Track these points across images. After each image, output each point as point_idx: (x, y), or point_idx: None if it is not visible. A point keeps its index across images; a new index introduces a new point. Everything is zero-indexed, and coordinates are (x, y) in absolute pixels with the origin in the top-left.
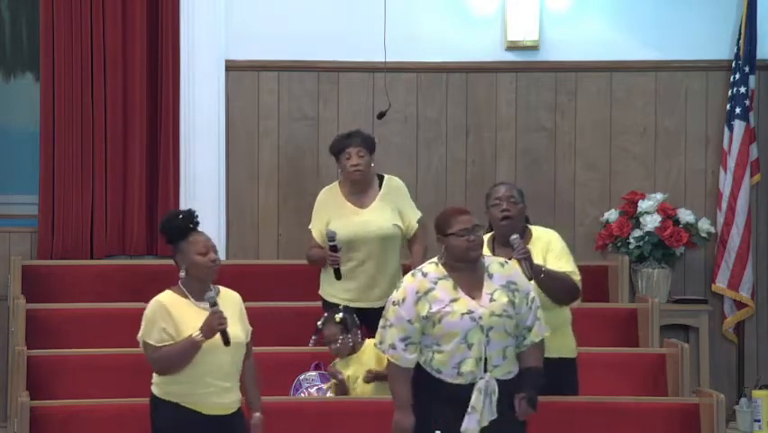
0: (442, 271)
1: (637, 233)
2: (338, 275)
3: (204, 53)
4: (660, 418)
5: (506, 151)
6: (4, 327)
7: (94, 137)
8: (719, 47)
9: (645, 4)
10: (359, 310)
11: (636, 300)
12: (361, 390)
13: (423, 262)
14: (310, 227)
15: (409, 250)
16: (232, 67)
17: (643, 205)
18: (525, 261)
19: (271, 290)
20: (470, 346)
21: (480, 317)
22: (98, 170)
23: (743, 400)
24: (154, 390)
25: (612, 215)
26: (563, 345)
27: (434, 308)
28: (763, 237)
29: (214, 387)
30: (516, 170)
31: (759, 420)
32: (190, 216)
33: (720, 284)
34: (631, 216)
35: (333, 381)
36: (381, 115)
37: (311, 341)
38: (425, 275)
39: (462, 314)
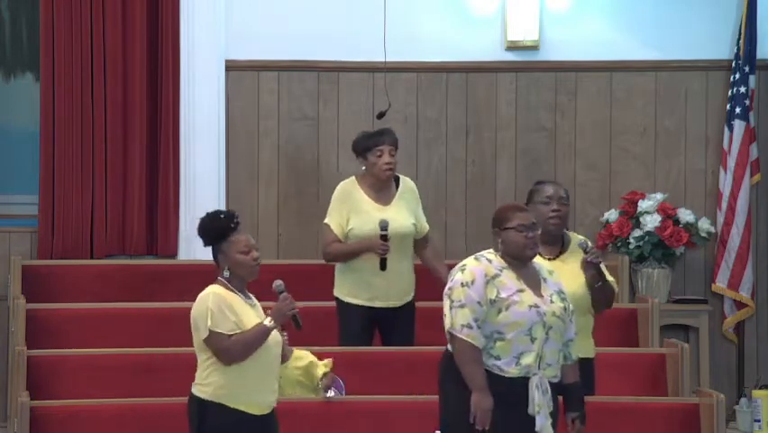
0: (502, 261)
1: (637, 233)
2: (384, 266)
3: (204, 53)
4: (660, 418)
5: (506, 151)
6: (4, 327)
7: (94, 137)
8: (719, 47)
9: (645, 4)
10: (377, 309)
11: (636, 300)
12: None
13: (438, 262)
14: (326, 222)
15: (419, 252)
16: (232, 67)
17: (643, 205)
18: (597, 265)
19: (271, 291)
20: (533, 340)
21: (545, 314)
22: (98, 170)
23: (743, 400)
24: (202, 393)
25: (612, 215)
26: (586, 347)
27: (504, 294)
28: (763, 237)
29: (261, 388)
30: (516, 170)
31: (759, 420)
32: (231, 217)
33: (720, 284)
34: (631, 216)
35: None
36: (381, 115)
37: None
38: (489, 261)
39: (530, 306)
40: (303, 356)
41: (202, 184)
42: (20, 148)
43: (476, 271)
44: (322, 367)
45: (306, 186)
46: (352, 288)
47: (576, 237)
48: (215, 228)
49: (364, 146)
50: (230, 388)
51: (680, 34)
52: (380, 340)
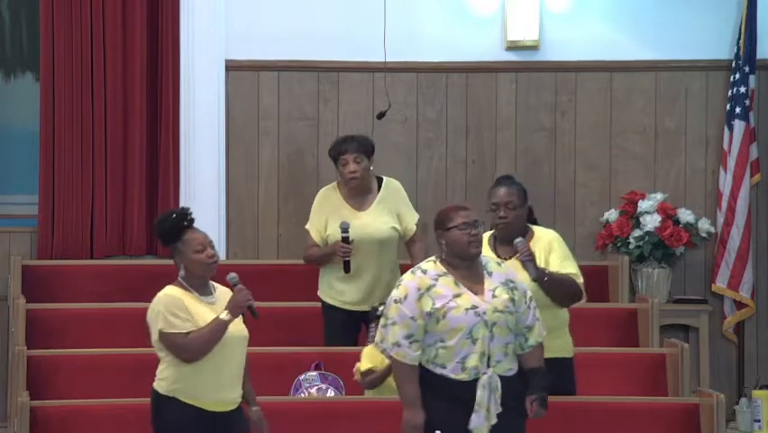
0: (441, 268)
1: (637, 233)
2: (347, 268)
3: (204, 53)
4: (660, 418)
5: (506, 151)
6: (4, 327)
7: (94, 137)
8: (719, 47)
9: (645, 4)
10: (359, 313)
11: (636, 300)
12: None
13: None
14: (307, 227)
15: (408, 251)
16: (232, 67)
17: (643, 205)
18: (529, 263)
19: (271, 290)
20: (474, 341)
21: (485, 313)
22: (98, 170)
23: (743, 400)
24: (158, 387)
25: (612, 215)
26: (561, 346)
27: (438, 304)
28: (763, 237)
29: (218, 384)
30: (516, 170)
31: (759, 420)
32: (183, 215)
33: (720, 284)
34: (631, 216)
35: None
36: (381, 115)
37: (369, 337)
38: (424, 272)
39: (467, 309)
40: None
41: (202, 184)
42: (20, 148)
43: (409, 286)
44: None
45: (306, 186)
46: (330, 290)
47: (544, 234)
48: (168, 228)
49: (332, 155)
50: (184, 383)
51: (680, 34)
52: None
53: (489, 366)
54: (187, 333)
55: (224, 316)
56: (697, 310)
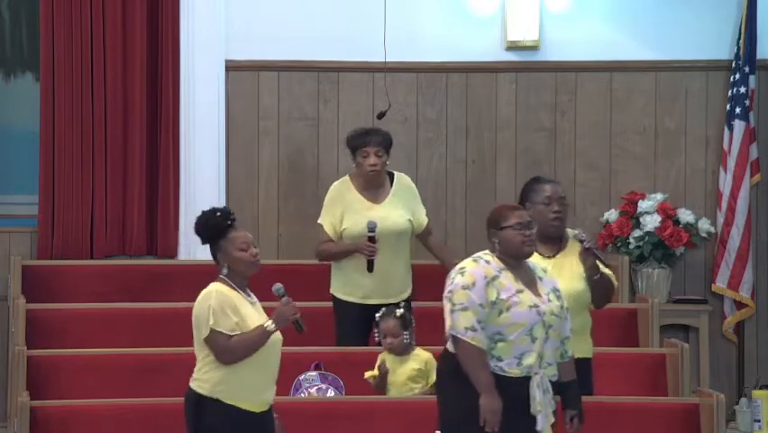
0: (499, 262)
1: (637, 233)
2: (371, 267)
3: (204, 53)
4: (660, 418)
5: (506, 151)
6: (4, 327)
7: (94, 137)
8: (719, 47)
9: (645, 4)
10: (373, 307)
11: (636, 300)
12: (397, 391)
13: (446, 250)
14: (320, 222)
15: (425, 244)
16: (232, 67)
17: (643, 205)
18: (597, 251)
19: (271, 291)
20: (533, 340)
21: (545, 313)
22: (98, 170)
23: (743, 400)
24: (200, 388)
25: (612, 215)
26: (586, 348)
27: (504, 296)
28: (763, 237)
29: (260, 385)
30: (516, 170)
31: (759, 420)
32: (227, 213)
33: (720, 284)
34: (631, 216)
35: (374, 373)
36: (381, 115)
37: (375, 336)
38: (488, 262)
39: (530, 306)
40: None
41: (202, 184)
42: (20, 148)
43: (476, 274)
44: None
45: (306, 186)
46: (345, 286)
47: (571, 232)
48: (212, 226)
49: (355, 145)
50: (228, 384)
51: (680, 34)
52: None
53: (540, 367)
54: (232, 335)
55: (270, 325)
56: (697, 310)
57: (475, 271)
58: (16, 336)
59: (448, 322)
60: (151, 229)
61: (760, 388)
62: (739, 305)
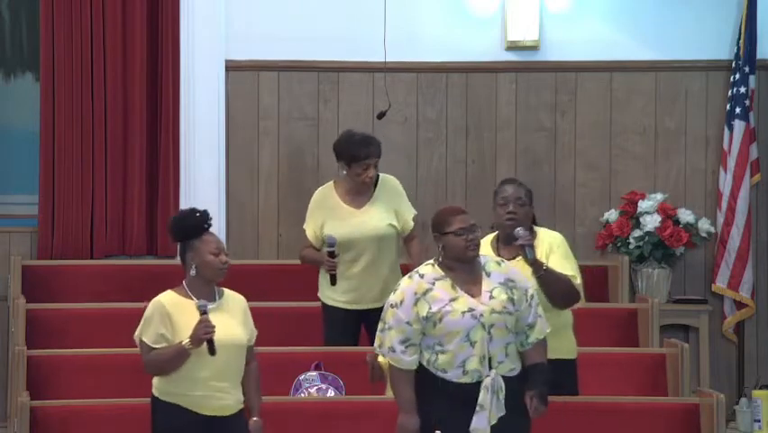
0: (438, 271)
1: (637, 233)
2: (333, 281)
3: (204, 53)
4: (660, 418)
5: (506, 151)
6: (4, 327)
7: (94, 137)
8: (719, 47)
9: (645, 4)
10: (357, 312)
11: (636, 300)
12: None
13: (423, 259)
14: (304, 227)
15: (406, 248)
16: (232, 67)
17: (643, 205)
18: (527, 247)
19: (271, 290)
20: (472, 344)
21: (482, 315)
22: (98, 170)
23: (743, 400)
24: (154, 390)
25: (612, 215)
26: (563, 347)
27: (435, 308)
28: (763, 237)
29: (212, 389)
30: (516, 170)
31: (759, 420)
32: (206, 216)
33: (720, 284)
34: (631, 216)
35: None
36: (381, 115)
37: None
38: (421, 276)
39: (463, 312)
40: None
41: (202, 184)
42: (20, 148)
43: (406, 291)
44: None
45: (306, 186)
46: (330, 290)
47: (546, 235)
48: (190, 225)
49: (351, 155)
50: (176, 387)
51: (680, 34)
52: (368, 339)
53: (491, 368)
54: (153, 348)
55: (186, 344)
56: (697, 310)
57: (406, 288)
58: (16, 336)
59: (376, 341)
60: (151, 229)
61: (760, 388)
62: (739, 305)
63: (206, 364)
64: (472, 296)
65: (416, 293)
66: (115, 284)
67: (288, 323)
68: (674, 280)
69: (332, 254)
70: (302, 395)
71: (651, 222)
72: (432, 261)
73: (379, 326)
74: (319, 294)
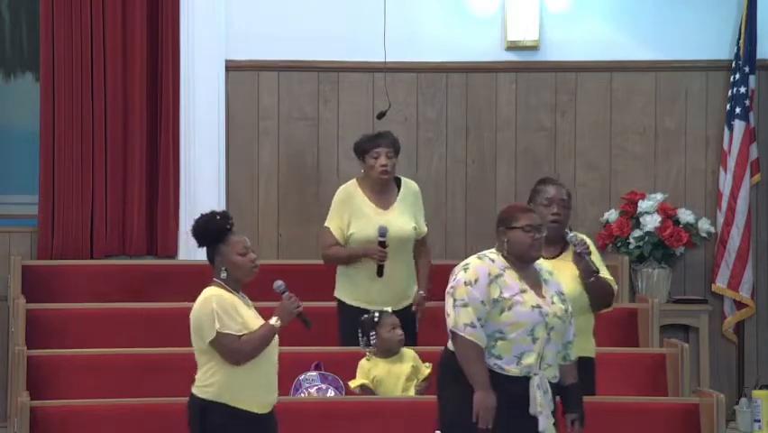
0: (505, 261)
1: (637, 233)
2: (381, 272)
3: (204, 53)
4: (660, 418)
5: (506, 151)
6: (4, 327)
7: (94, 137)
8: (719, 47)
9: (645, 4)
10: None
11: (636, 300)
12: (397, 391)
13: (428, 270)
14: (327, 225)
15: (414, 252)
16: (232, 67)
17: (643, 205)
18: (586, 256)
19: (271, 290)
20: (534, 340)
21: (547, 315)
22: (98, 170)
23: (743, 400)
24: (204, 393)
25: (612, 215)
26: (587, 347)
27: (506, 294)
28: (763, 237)
29: (270, 384)
30: (516, 170)
31: (759, 420)
32: (227, 218)
33: (720, 284)
34: (631, 216)
35: (361, 383)
36: (381, 115)
37: (362, 342)
38: (492, 260)
39: (533, 306)
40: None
41: (202, 184)
42: (20, 148)
43: (479, 270)
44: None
45: (306, 186)
46: (350, 290)
47: (577, 236)
48: (212, 230)
49: (362, 148)
50: (233, 387)
51: (680, 34)
52: None
53: (540, 368)
54: (240, 335)
55: (275, 322)
56: (697, 310)
57: (479, 267)
58: (16, 336)
59: (449, 318)
60: (151, 229)
61: (760, 388)
62: (739, 305)
63: (258, 362)
64: (537, 295)
65: (489, 274)
66: (115, 284)
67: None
68: (674, 281)
69: (383, 244)
70: (302, 395)
71: (651, 222)
72: (494, 250)
73: (449, 303)
74: (336, 293)
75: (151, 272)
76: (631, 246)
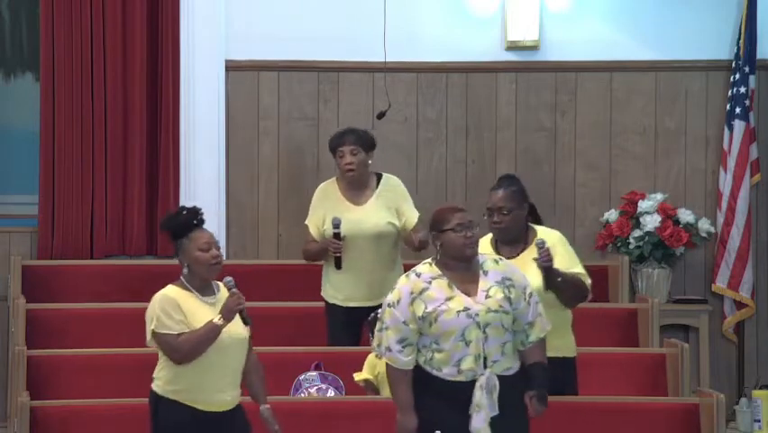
0: (435, 270)
1: (637, 233)
2: (338, 264)
3: (204, 53)
4: (660, 418)
5: (506, 151)
6: (4, 327)
7: (94, 137)
8: (719, 47)
9: (645, 4)
10: (357, 310)
11: (636, 300)
12: None
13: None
14: (306, 222)
15: (408, 239)
16: (232, 67)
17: (643, 205)
18: (547, 268)
19: (271, 290)
20: (467, 344)
21: (477, 314)
22: (98, 170)
23: (743, 400)
24: (156, 388)
25: (612, 215)
26: (563, 345)
27: (430, 308)
28: (763, 237)
29: (220, 383)
30: (516, 170)
31: (759, 420)
32: (194, 213)
33: (720, 284)
34: (631, 216)
35: (365, 377)
36: (381, 115)
37: (371, 337)
38: (418, 275)
39: (458, 311)
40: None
41: (202, 184)
42: (20, 148)
43: (402, 290)
44: None
45: (305, 186)
46: (330, 287)
47: (546, 233)
48: (176, 224)
49: (331, 147)
50: (180, 384)
51: (680, 34)
52: (369, 338)
53: (485, 367)
54: (179, 334)
55: (218, 320)
56: (697, 310)
57: (403, 287)
58: (16, 336)
59: (375, 341)
60: (151, 229)
61: (760, 388)
62: (739, 305)
63: (211, 360)
64: (468, 295)
65: (412, 292)
66: (115, 284)
67: (288, 323)
68: (674, 281)
69: (337, 236)
70: (302, 395)
71: (651, 222)
72: (429, 260)
73: (377, 325)
74: (322, 292)
75: (151, 272)
76: (631, 246)
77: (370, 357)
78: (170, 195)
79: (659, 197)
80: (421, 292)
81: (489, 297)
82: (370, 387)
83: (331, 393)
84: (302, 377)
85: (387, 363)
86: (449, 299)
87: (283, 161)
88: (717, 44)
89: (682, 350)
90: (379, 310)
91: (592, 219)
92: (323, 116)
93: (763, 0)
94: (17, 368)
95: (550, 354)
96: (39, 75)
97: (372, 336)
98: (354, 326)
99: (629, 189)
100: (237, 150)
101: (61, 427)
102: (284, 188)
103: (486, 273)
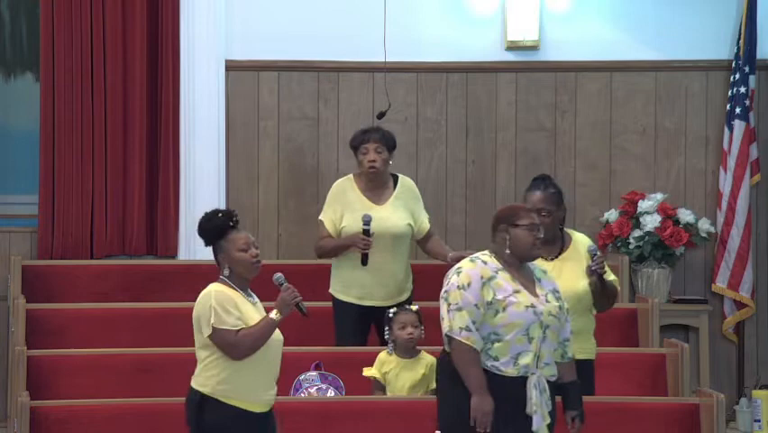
0: (497, 262)
1: (637, 233)
2: (365, 261)
3: (204, 53)
4: (660, 418)
5: (506, 151)
6: (4, 327)
7: (94, 137)
8: (719, 47)
9: (645, 4)
10: (370, 309)
11: (636, 300)
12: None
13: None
14: (321, 218)
15: (423, 247)
16: (232, 67)
17: (643, 205)
18: (598, 275)
19: (271, 290)
20: (530, 340)
21: (542, 313)
22: (98, 170)
23: (743, 400)
24: (202, 387)
25: (612, 215)
26: (587, 348)
27: (500, 296)
28: (763, 237)
29: (268, 382)
30: (516, 170)
31: (759, 420)
32: (229, 215)
33: (720, 284)
34: (631, 216)
35: (373, 374)
36: (381, 115)
37: (386, 333)
38: (485, 263)
39: (526, 306)
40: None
41: (202, 184)
42: (20, 148)
43: (472, 274)
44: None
45: (305, 186)
46: (343, 285)
47: (581, 238)
48: (213, 227)
49: (353, 144)
50: (230, 384)
51: (680, 34)
52: (377, 338)
53: (537, 367)
54: (238, 330)
55: (274, 315)
56: (697, 310)
57: (471, 271)
58: (16, 336)
59: (444, 322)
60: (151, 229)
61: (760, 388)
62: (739, 305)
63: (264, 358)
64: (531, 294)
65: (482, 277)
66: (115, 284)
67: (288, 323)
68: (674, 281)
69: (366, 233)
70: (302, 395)
71: (651, 222)
72: (486, 252)
73: (444, 307)
74: (331, 290)
75: (151, 272)
76: (631, 246)
77: (381, 355)
78: (170, 195)
79: (659, 197)
80: (490, 279)
81: (549, 301)
82: (377, 385)
83: (331, 393)
84: (302, 377)
85: (459, 345)
86: (516, 291)
87: (283, 160)
88: (717, 44)
89: (682, 350)
90: (395, 308)
91: (592, 219)
92: (323, 116)
93: (763, 0)
94: (17, 368)
95: (577, 356)
96: (39, 75)
97: (390, 333)
98: (365, 324)
99: (629, 189)
100: (237, 150)
101: (61, 427)
102: (284, 188)
103: (539, 280)
